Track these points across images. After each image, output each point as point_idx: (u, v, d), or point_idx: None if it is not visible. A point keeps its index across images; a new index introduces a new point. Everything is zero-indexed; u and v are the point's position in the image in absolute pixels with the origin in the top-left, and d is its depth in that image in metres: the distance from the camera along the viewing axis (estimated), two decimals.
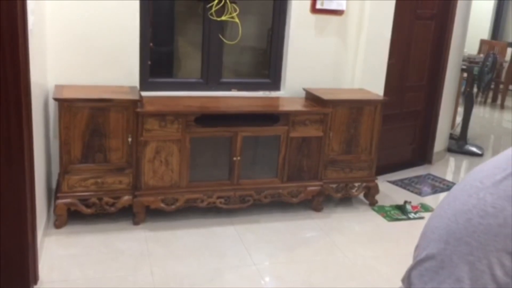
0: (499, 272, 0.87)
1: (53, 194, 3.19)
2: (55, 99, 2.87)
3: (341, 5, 3.69)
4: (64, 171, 2.93)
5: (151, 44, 3.45)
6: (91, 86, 3.16)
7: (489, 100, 8.04)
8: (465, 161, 5.12)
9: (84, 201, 3.00)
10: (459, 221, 0.94)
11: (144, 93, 3.24)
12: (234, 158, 3.21)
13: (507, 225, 0.88)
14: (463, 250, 0.92)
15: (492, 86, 7.60)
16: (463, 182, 1.02)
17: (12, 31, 1.99)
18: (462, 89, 6.28)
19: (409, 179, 4.32)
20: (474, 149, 5.24)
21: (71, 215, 3.02)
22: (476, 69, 5.50)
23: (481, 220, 0.91)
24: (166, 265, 2.73)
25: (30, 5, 2.26)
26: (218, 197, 3.24)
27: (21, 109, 2.09)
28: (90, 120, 2.90)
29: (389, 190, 4.00)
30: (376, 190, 3.68)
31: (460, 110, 5.84)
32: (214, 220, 3.25)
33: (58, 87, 3.06)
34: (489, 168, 0.96)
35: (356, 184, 3.63)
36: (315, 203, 3.50)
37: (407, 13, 4.06)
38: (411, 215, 3.58)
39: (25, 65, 2.12)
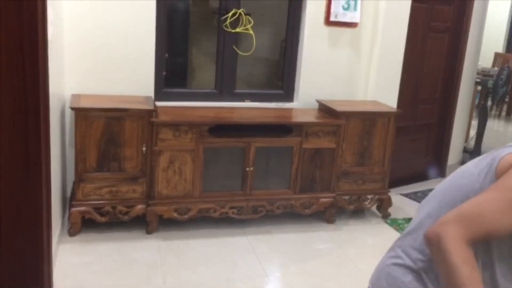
0: None
1: (67, 202, 3.22)
2: (72, 108, 2.92)
3: (355, 18, 3.71)
4: (79, 179, 2.96)
5: (166, 55, 3.50)
6: (107, 96, 3.21)
7: (503, 114, 7.97)
8: None
9: (98, 209, 3.03)
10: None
11: (158, 103, 3.28)
12: (247, 169, 3.22)
13: None
14: None
15: (507, 100, 7.52)
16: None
17: (33, 42, 2.03)
18: (476, 102, 6.24)
19: (423, 192, 4.29)
20: None
21: (85, 223, 3.05)
22: (490, 82, 5.47)
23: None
24: (179, 275, 2.74)
25: (50, 17, 2.31)
26: (231, 207, 3.24)
27: (40, 119, 2.13)
28: (105, 129, 2.93)
29: (402, 203, 3.98)
30: (389, 202, 3.66)
31: (474, 123, 5.80)
32: (227, 230, 3.26)
33: (75, 97, 3.11)
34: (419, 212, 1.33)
35: (369, 197, 3.61)
36: (327, 214, 3.49)
37: (420, 25, 4.07)
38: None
39: (44, 75, 2.16)
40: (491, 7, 5.10)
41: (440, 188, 1.30)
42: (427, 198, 1.33)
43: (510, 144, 1.16)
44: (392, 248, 1.36)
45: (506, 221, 1.04)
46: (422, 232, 1.21)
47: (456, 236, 1.04)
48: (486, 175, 1.14)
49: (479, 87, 5.93)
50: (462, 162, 5.10)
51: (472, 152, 5.30)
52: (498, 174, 1.11)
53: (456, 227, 1.05)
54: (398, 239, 1.36)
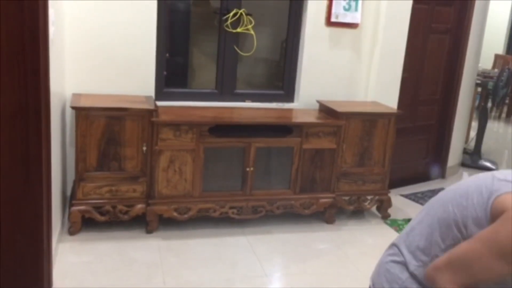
0: None
1: (68, 201, 3.22)
2: (73, 108, 2.92)
3: (356, 18, 3.71)
4: (80, 178, 2.96)
5: (167, 55, 3.50)
6: (107, 95, 3.21)
7: (503, 115, 7.98)
8: None
9: (98, 208, 3.03)
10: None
11: (159, 103, 3.28)
12: (247, 169, 3.22)
13: None
14: None
15: (507, 101, 7.54)
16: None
17: (34, 41, 2.04)
18: (476, 103, 6.24)
19: (422, 193, 4.29)
20: (488, 164, 5.20)
21: (85, 222, 3.05)
22: (490, 84, 5.47)
23: None
24: (179, 275, 2.74)
25: (51, 16, 2.31)
26: (231, 207, 3.25)
27: (40, 118, 2.13)
28: (106, 128, 2.94)
29: (402, 204, 3.98)
30: (389, 203, 3.67)
31: (474, 124, 5.81)
32: (226, 230, 3.26)
33: (76, 96, 3.11)
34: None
35: (369, 197, 3.62)
36: (327, 215, 3.49)
37: (421, 27, 4.07)
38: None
39: (45, 75, 2.17)
40: (492, 8, 5.11)
41: (442, 197, 1.33)
42: (428, 203, 1.38)
43: (510, 175, 1.20)
44: (390, 246, 1.42)
45: (493, 273, 1.11)
46: (416, 238, 1.31)
47: (448, 281, 1.15)
48: (482, 208, 1.18)
49: (479, 89, 5.93)
50: (462, 163, 5.12)
51: (472, 153, 5.30)
52: (492, 214, 1.15)
53: (446, 274, 1.17)
54: (397, 237, 1.42)
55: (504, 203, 1.14)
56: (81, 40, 3.18)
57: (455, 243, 1.22)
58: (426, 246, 1.29)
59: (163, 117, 3.07)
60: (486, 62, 7.47)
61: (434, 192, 4.32)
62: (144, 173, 3.05)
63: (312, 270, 2.94)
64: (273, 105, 3.73)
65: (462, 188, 1.27)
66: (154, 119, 3.00)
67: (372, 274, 1.44)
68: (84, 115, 2.90)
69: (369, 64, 3.82)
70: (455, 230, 1.22)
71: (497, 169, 5.14)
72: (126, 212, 3.07)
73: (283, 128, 3.31)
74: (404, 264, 1.32)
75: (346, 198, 3.55)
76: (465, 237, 1.20)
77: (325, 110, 3.56)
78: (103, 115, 2.93)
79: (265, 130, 3.28)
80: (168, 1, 3.42)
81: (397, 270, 1.34)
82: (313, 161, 3.35)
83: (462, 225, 1.21)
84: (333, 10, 3.63)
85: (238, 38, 3.62)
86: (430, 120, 4.51)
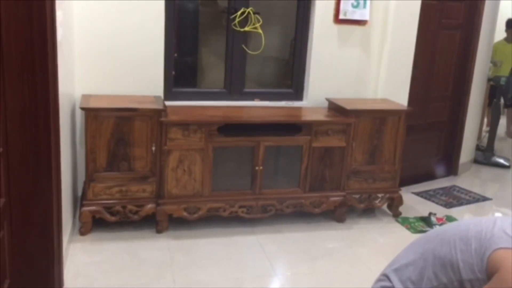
0: None
1: (78, 201, 3.24)
2: (82, 108, 2.94)
3: (365, 16, 3.68)
4: (90, 179, 2.98)
5: (175, 54, 3.51)
6: (117, 96, 3.22)
7: None
8: (492, 173, 5.01)
9: (108, 208, 3.04)
10: None
11: (168, 103, 3.29)
12: (257, 168, 3.22)
13: None
14: None
15: None
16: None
17: (42, 43, 2.05)
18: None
19: (434, 190, 4.25)
20: (501, 160, 5.14)
21: (96, 223, 3.07)
22: (503, 80, 5.40)
23: None
24: (188, 274, 2.74)
25: (59, 18, 2.32)
26: (240, 207, 3.24)
27: (49, 119, 2.14)
28: (115, 129, 2.95)
29: (413, 202, 3.95)
30: (400, 201, 3.64)
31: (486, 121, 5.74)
32: (236, 230, 3.25)
33: (85, 97, 3.13)
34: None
35: (380, 195, 3.59)
36: (337, 213, 3.47)
37: (431, 23, 4.03)
38: (436, 227, 3.51)
39: (54, 76, 2.18)
40: (503, 3, 5.04)
41: (441, 233, 1.36)
42: (426, 235, 1.43)
43: (510, 228, 1.22)
44: (381, 275, 1.47)
45: None
46: (410, 268, 1.35)
47: None
48: (479, 257, 1.21)
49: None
50: (475, 160, 5.06)
51: (485, 150, 5.24)
52: (488, 266, 1.18)
53: None
54: (387, 267, 1.46)
55: (500, 260, 1.16)
56: (90, 41, 3.19)
57: (448, 281, 1.25)
58: (418, 279, 1.32)
59: (172, 117, 3.08)
60: None
61: (446, 190, 4.28)
62: (153, 173, 3.06)
63: (322, 269, 2.93)
64: (282, 103, 3.72)
65: (462, 231, 1.29)
66: (163, 119, 3.00)
67: None
68: (94, 115, 2.91)
69: (378, 61, 3.79)
70: (450, 271, 1.25)
71: (510, 166, 5.09)
72: (136, 212, 3.08)
73: (292, 127, 3.30)
74: None
75: (357, 196, 3.52)
76: (458, 279, 1.23)
77: (334, 108, 3.54)
78: (113, 116, 2.94)
79: (274, 128, 3.27)
80: (176, 2, 3.42)
81: None
82: (323, 159, 3.34)
83: (456, 268, 1.23)
84: (341, 7, 3.60)
85: (246, 37, 3.61)
86: (442, 117, 4.46)
